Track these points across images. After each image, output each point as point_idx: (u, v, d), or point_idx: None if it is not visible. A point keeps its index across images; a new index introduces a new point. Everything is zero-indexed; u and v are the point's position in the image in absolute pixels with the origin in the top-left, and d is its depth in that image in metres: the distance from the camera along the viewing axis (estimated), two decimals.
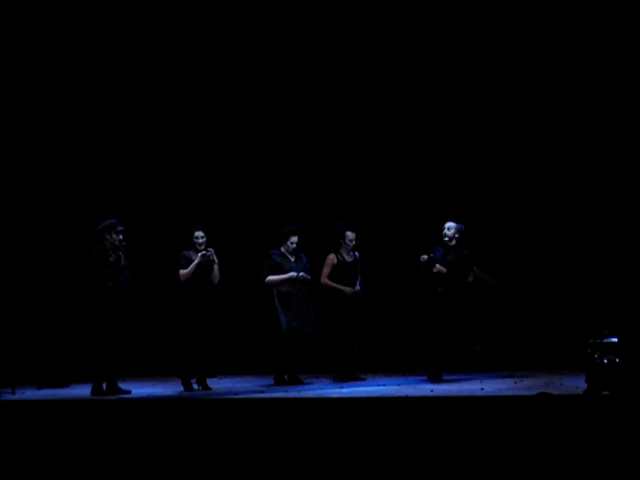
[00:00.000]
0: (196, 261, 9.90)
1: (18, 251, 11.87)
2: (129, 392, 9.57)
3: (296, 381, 10.22)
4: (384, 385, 9.76)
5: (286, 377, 10.27)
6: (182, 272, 9.94)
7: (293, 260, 10.46)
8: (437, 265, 10.07)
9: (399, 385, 9.66)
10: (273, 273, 10.37)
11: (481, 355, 11.20)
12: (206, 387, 9.88)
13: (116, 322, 9.51)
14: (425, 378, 10.00)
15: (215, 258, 10.00)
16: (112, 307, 9.49)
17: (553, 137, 11.68)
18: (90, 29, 11.96)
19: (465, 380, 9.94)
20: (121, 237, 9.63)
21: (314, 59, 12.03)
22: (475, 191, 11.90)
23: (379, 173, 12.09)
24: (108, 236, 9.59)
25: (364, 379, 10.35)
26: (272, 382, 10.24)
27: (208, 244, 10.04)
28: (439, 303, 10.01)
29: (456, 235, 10.16)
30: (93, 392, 9.48)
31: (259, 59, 12.09)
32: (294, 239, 10.40)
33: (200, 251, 9.95)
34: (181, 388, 9.83)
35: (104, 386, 9.53)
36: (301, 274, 10.34)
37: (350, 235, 10.44)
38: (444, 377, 9.96)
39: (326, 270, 10.47)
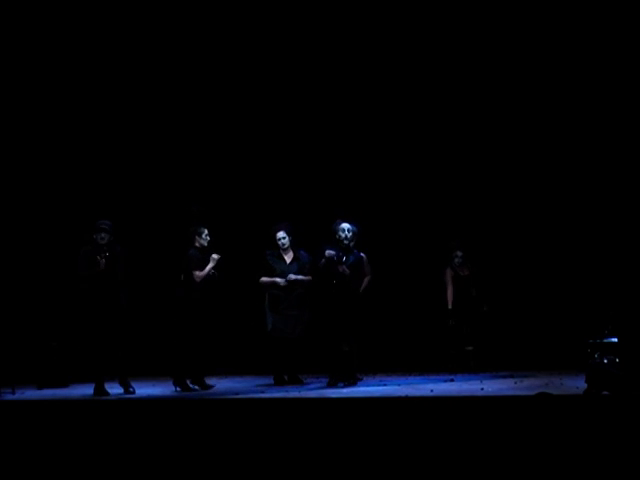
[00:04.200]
0: (212, 264, 9.93)
1: (18, 251, 11.88)
2: (133, 392, 9.56)
3: (296, 381, 10.22)
4: (384, 385, 9.76)
5: (286, 377, 10.28)
6: (199, 273, 9.90)
7: (289, 260, 10.44)
8: (343, 266, 9.82)
9: (399, 385, 9.66)
10: (266, 275, 10.40)
11: (473, 355, 11.14)
12: (205, 386, 9.86)
13: (112, 321, 9.51)
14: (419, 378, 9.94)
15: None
16: (104, 307, 9.50)
17: (549, 138, 11.68)
18: (90, 29, 11.97)
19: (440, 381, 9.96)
20: (102, 235, 9.62)
21: (312, 60, 12.04)
22: (474, 190, 11.93)
23: (378, 174, 12.11)
24: (95, 236, 9.65)
25: (361, 379, 10.32)
26: (272, 382, 10.24)
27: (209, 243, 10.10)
28: (347, 307, 9.79)
29: (354, 238, 9.95)
30: (96, 392, 9.47)
31: (258, 59, 12.10)
32: (279, 235, 10.39)
33: (205, 249, 9.98)
34: (178, 389, 9.84)
35: (105, 386, 9.52)
36: (290, 276, 10.31)
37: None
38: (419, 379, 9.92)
39: None
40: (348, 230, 9.92)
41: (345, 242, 9.90)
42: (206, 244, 10.04)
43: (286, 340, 10.30)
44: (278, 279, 10.34)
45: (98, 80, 12.19)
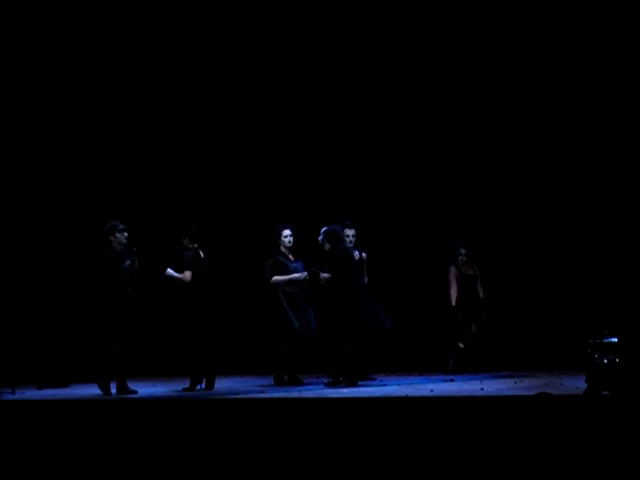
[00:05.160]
0: None
1: (18, 251, 11.88)
2: (135, 392, 9.56)
3: (296, 381, 10.21)
4: (384, 385, 9.77)
5: (286, 377, 10.27)
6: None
7: (293, 259, 10.44)
8: (321, 275, 9.84)
9: (399, 385, 9.66)
10: (278, 273, 10.28)
11: (473, 357, 11.10)
12: (193, 390, 9.85)
13: (131, 323, 9.52)
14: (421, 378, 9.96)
15: None
16: (128, 309, 9.51)
17: (551, 138, 11.67)
18: (90, 29, 11.98)
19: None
20: (125, 235, 9.62)
21: (312, 61, 12.04)
22: (474, 189, 11.93)
23: (378, 174, 12.11)
24: (112, 238, 9.58)
25: (373, 379, 10.31)
26: (272, 382, 10.24)
27: (205, 244, 10.12)
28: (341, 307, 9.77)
29: (324, 240, 9.94)
30: (104, 391, 9.46)
31: (258, 60, 12.10)
32: (286, 232, 10.30)
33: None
34: (181, 388, 9.84)
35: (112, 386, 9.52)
36: (305, 274, 10.27)
37: (348, 231, 10.36)
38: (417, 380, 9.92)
39: None
40: (319, 234, 10.00)
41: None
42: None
43: (303, 339, 10.23)
44: (298, 274, 10.26)
45: (99, 82, 12.19)
